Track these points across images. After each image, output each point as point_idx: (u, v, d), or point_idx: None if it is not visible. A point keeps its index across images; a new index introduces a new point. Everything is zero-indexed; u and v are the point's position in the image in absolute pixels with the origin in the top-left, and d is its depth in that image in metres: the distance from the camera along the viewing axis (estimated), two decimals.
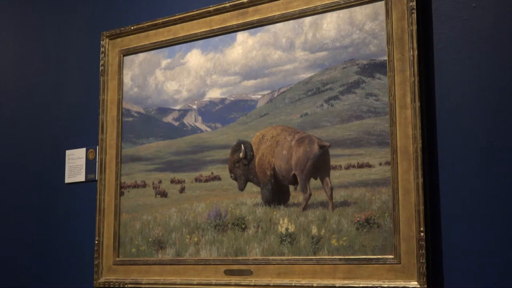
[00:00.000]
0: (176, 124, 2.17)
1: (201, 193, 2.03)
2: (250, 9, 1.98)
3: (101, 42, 2.29)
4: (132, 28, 2.23)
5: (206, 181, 2.03)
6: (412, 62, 1.64)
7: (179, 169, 2.10)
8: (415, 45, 1.64)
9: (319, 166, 1.81)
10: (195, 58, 2.12)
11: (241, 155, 1.97)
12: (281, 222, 1.83)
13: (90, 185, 2.30)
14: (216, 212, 1.97)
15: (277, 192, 1.89)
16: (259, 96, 1.98)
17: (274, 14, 1.94)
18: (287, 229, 1.82)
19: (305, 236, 1.77)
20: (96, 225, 2.20)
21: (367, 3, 1.75)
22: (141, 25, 2.21)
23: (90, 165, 2.32)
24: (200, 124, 2.12)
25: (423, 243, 1.51)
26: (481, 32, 1.61)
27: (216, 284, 1.90)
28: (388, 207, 1.65)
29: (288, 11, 1.91)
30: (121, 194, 2.19)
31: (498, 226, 1.48)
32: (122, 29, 2.25)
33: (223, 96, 2.06)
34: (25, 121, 2.56)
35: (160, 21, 2.17)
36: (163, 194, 2.12)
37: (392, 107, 1.68)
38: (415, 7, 1.64)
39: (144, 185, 2.16)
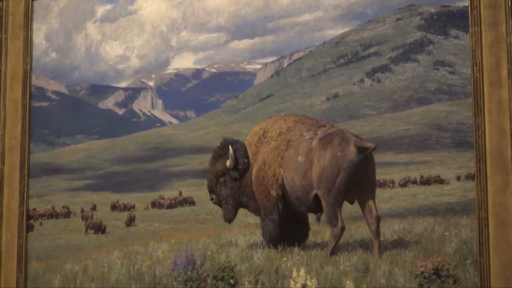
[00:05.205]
0: (121, 112, 2.13)
1: (162, 226, 1.99)
2: None
3: None
4: None
5: (171, 206, 2.01)
6: (510, 11, 1.62)
7: (126, 187, 2.07)
8: None
9: (358, 181, 1.76)
10: (151, 3, 2.11)
11: (228, 163, 1.95)
12: (294, 274, 1.79)
13: None
14: (187, 258, 1.93)
15: (288, 225, 1.88)
16: (259, 66, 1.95)
17: None
18: (304, 285, 1.83)
19: None
20: None
21: None
22: None
23: None
24: (160, 113, 2.09)
25: None
26: None
27: None
28: (472, 250, 1.61)
29: None
30: (30, 228, 2.17)
31: None
32: None
33: (198, 66, 2.02)
34: None
35: None
36: (99, 229, 2.08)
37: (477, 84, 1.63)
38: None
39: (68, 214, 2.12)
